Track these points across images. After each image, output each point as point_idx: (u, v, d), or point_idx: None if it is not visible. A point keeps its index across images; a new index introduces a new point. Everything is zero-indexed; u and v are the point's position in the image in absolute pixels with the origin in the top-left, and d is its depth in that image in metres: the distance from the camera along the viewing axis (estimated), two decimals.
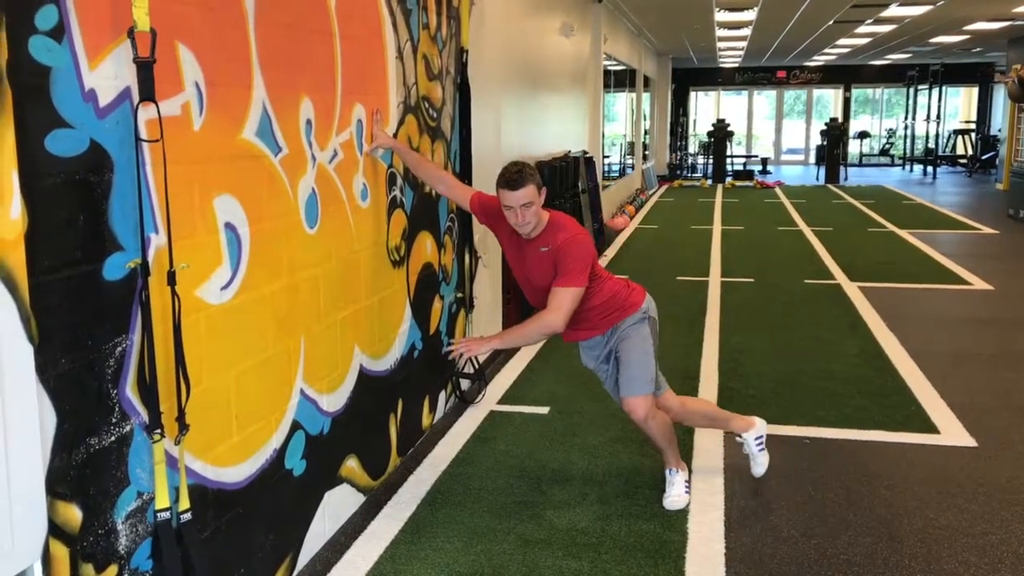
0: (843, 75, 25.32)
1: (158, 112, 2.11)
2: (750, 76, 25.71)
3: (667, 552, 3.07)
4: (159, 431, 2.16)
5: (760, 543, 3.14)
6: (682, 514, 3.36)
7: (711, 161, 20.99)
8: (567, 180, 8.30)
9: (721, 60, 22.56)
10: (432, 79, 4.21)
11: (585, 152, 9.71)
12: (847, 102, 26.15)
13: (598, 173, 10.70)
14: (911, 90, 23.37)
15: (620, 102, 15.56)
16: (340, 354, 3.28)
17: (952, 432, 4.18)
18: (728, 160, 21.01)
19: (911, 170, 23.45)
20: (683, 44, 18.16)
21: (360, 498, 3.48)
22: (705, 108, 27.91)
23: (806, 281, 8.02)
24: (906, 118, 24.06)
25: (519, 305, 5.73)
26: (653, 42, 17.84)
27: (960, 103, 27.23)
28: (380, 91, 3.61)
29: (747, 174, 20.66)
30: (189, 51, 2.29)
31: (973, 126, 24.54)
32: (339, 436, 3.25)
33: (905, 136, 24.15)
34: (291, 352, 2.89)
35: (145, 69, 2.05)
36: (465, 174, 4.67)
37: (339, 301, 3.26)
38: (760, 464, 3.63)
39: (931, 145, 22.53)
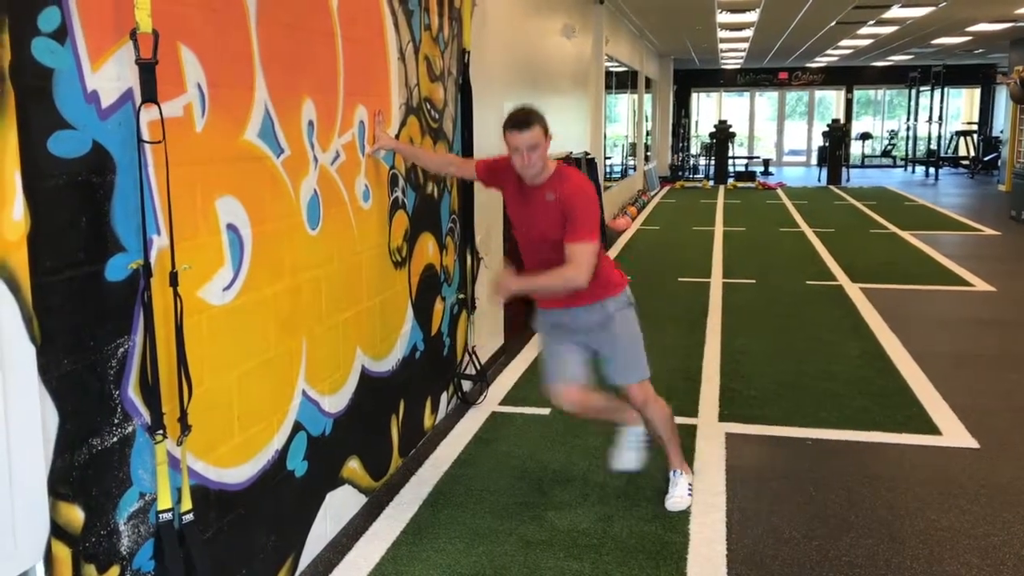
0: (845, 76, 25.31)
1: (160, 113, 2.11)
2: (752, 77, 25.71)
3: (669, 553, 3.07)
4: (161, 432, 2.16)
5: (762, 544, 3.14)
6: (683, 515, 3.36)
7: (713, 162, 21.00)
8: None
9: (723, 61, 22.55)
10: (434, 80, 4.21)
11: (587, 153, 9.72)
12: (849, 103, 26.14)
13: (600, 174, 10.70)
14: (913, 91, 23.33)
15: (622, 103, 15.57)
16: (342, 355, 3.28)
17: (954, 433, 4.18)
18: (730, 161, 21.01)
19: (913, 171, 23.43)
20: (685, 45, 18.16)
21: (362, 499, 3.48)
22: (707, 109, 27.90)
23: (808, 282, 8.01)
24: (908, 119, 24.04)
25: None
26: (655, 43, 17.84)
27: (962, 104, 27.22)
28: (382, 92, 3.62)
29: (749, 175, 20.65)
30: (191, 52, 2.30)
31: (975, 127, 24.50)
32: (341, 437, 3.25)
33: (907, 137, 24.11)
34: (293, 353, 2.90)
35: (147, 70, 2.05)
36: None
37: (341, 302, 3.26)
38: (631, 460, 3.48)
39: (933, 146, 22.49)
